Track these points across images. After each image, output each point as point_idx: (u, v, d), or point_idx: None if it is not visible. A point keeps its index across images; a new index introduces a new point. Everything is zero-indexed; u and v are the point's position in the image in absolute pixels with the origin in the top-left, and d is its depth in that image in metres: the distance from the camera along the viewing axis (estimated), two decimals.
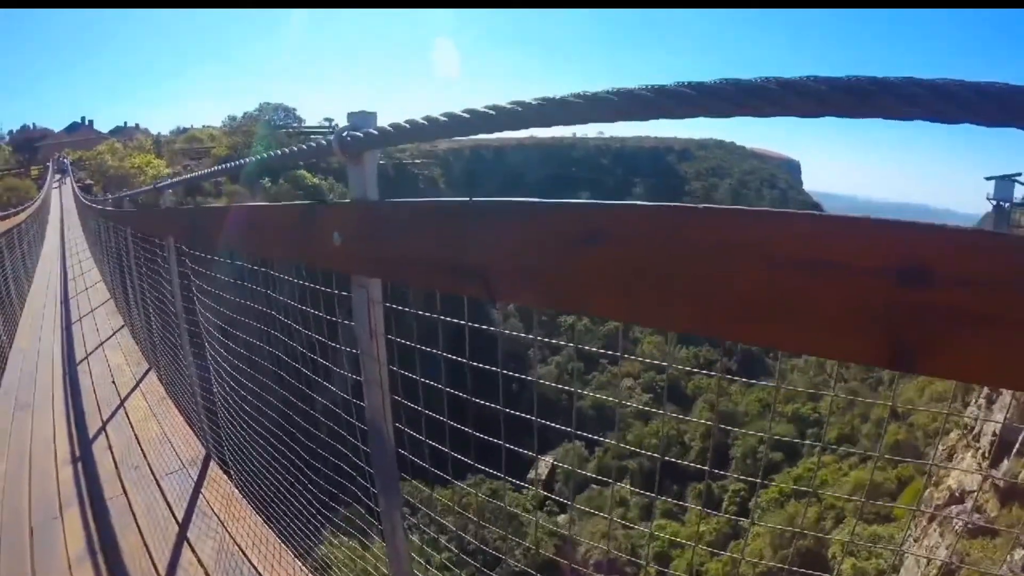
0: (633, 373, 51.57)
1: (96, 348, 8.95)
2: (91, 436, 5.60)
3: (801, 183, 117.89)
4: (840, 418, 40.12)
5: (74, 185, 36.27)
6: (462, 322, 1.68)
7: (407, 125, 1.32)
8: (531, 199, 1.05)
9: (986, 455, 17.10)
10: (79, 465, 4.97)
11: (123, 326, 9.86)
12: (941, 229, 0.67)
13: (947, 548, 15.03)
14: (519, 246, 1.08)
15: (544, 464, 36.21)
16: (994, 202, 38.42)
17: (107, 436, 5.54)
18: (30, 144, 64.10)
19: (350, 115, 1.57)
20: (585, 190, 73.65)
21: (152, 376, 7.14)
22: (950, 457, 19.15)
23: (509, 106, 1.07)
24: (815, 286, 0.74)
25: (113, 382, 7.20)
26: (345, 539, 3.56)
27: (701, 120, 0.91)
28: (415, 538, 2.22)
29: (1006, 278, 0.63)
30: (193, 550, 3.67)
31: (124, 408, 6.25)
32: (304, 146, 1.80)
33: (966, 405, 19.90)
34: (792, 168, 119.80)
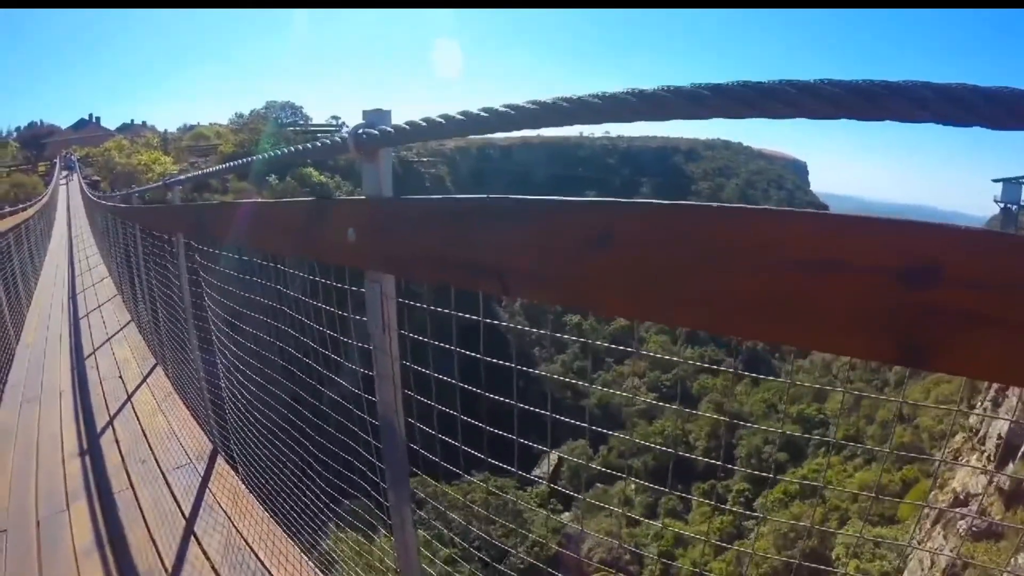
0: (639, 372, 51.52)
1: (103, 343, 8.99)
2: (98, 430, 5.62)
3: (808, 184, 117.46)
4: (845, 420, 40.02)
5: (81, 181, 36.33)
6: (471, 317, 1.70)
7: (423, 123, 1.32)
8: (546, 197, 1.06)
9: (991, 458, 17.06)
10: (86, 459, 4.99)
11: (130, 321, 9.89)
12: (950, 229, 0.68)
13: (951, 551, 14.98)
14: (534, 244, 1.10)
15: (549, 461, 36.25)
16: (1001, 204, 38.34)
17: (114, 430, 5.56)
18: (37, 141, 64.30)
19: (365, 113, 1.58)
20: (591, 189, 73.35)
21: (159, 371, 7.17)
22: (955, 460, 19.10)
23: (527, 105, 1.08)
24: (826, 284, 0.75)
25: (120, 377, 7.23)
26: (352, 533, 3.57)
27: (709, 120, 0.92)
28: (422, 532, 2.24)
29: (1014, 279, 0.64)
30: (200, 544, 3.69)
31: (131, 403, 6.28)
32: (319, 143, 1.81)
33: (972, 407, 19.82)
34: (799, 169, 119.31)
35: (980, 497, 16.50)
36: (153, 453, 4.99)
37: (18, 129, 67.53)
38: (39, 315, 11.43)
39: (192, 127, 68.63)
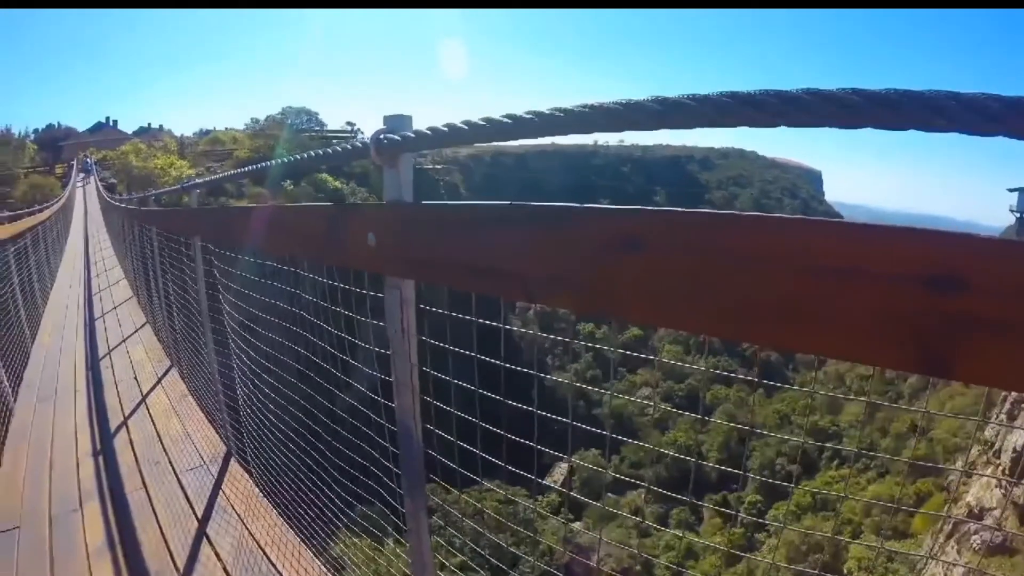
0: (652, 382, 51.47)
1: (119, 344, 9.06)
2: (112, 431, 5.66)
3: (823, 193, 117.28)
4: (859, 431, 39.76)
5: (98, 184, 36.69)
6: (490, 323, 1.70)
7: (445, 129, 1.32)
8: (570, 204, 1.06)
9: (1006, 471, 16.88)
10: (100, 459, 5.03)
11: (145, 323, 9.96)
12: (974, 239, 0.67)
13: (965, 565, 14.83)
14: (559, 250, 1.09)
15: (560, 470, 36.18)
16: (1017, 214, 38.00)
17: (128, 431, 5.60)
18: (55, 143, 65.02)
19: (386, 118, 1.58)
20: (605, 197, 73.47)
21: (174, 373, 7.21)
22: (969, 474, 18.92)
23: (550, 112, 1.08)
24: (851, 292, 0.75)
25: (135, 378, 7.28)
26: (366, 539, 3.57)
27: (722, 128, 0.92)
28: (435, 538, 2.24)
29: None
30: (212, 545, 3.70)
31: (145, 404, 6.32)
32: (339, 148, 1.82)
33: (988, 420, 19.65)
34: (813, 178, 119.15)
35: (996, 510, 16.35)
36: (167, 454, 5.02)
37: (36, 131, 68.14)
38: (55, 315, 11.52)
39: (208, 132, 69.25)
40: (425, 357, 1.84)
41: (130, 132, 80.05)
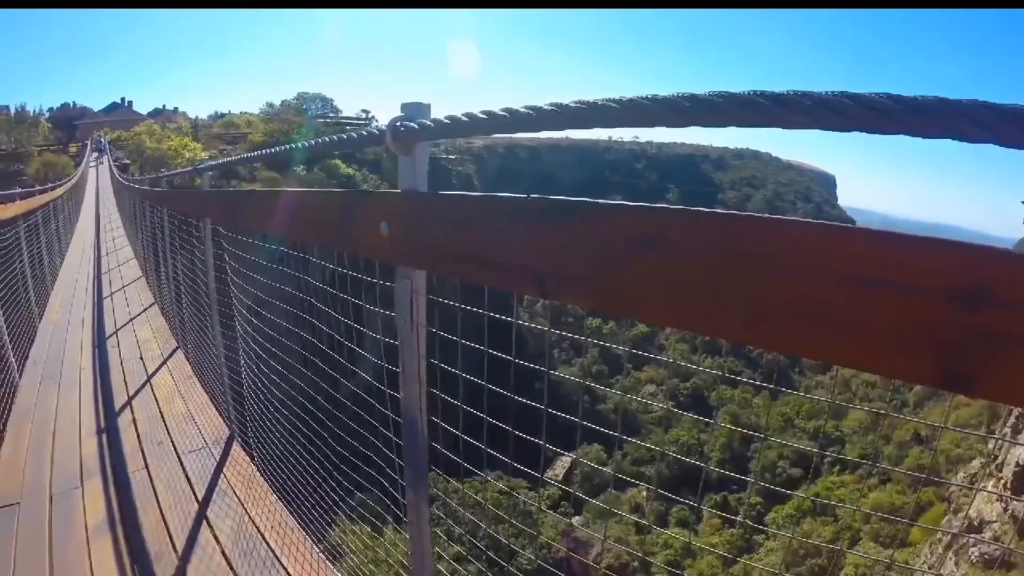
0: (657, 380, 51.47)
1: (126, 323, 9.09)
2: (116, 410, 5.68)
3: (836, 197, 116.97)
4: (862, 438, 39.73)
5: (111, 164, 36.79)
6: (500, 317, 1.68)
7: (464, 118, 1.30)
8: (588, 199, 1.04)
9: (1007, 485, 16.81)
10: (103, 437, 5.04)
11: (153, 303, 10.00)
12: (997, 252, 0.65)
13: None
14: (575, 246, 1.07)
15: (561, 464, 36.22)
16: None
17: (132, 411, 5.62)
18: (69, 122, 65.22)
19: (404, 106, 1.55)
20: (618, 193, 73.35)
21: (179, 354, 7.24)
22: (972, 485, 18.87)
23: (574, 105, 1.05)
24: (873, 301, 0.73)
25: (141, 358, 7.31)
26: (364, 526, 3.57)
27: (737, 128, 0.90)
28: (434, 529, 2.23)
29: None
30: (212, 528, 3.71)
31: (150, 384, 6.34)
32: (355, 134, 1.80)
33: (991, 433, 19.58)
34: (827, 182, 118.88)
35: (995, 523, 16.30)
36: (170, 435, 5.03)
37: (51, 109, 68.31)
38: (64, 293, 11.57)
39: (223, 115, 69.34)
40: (433, 348, 1.82)
41: (145, 113, 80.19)
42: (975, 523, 17.24)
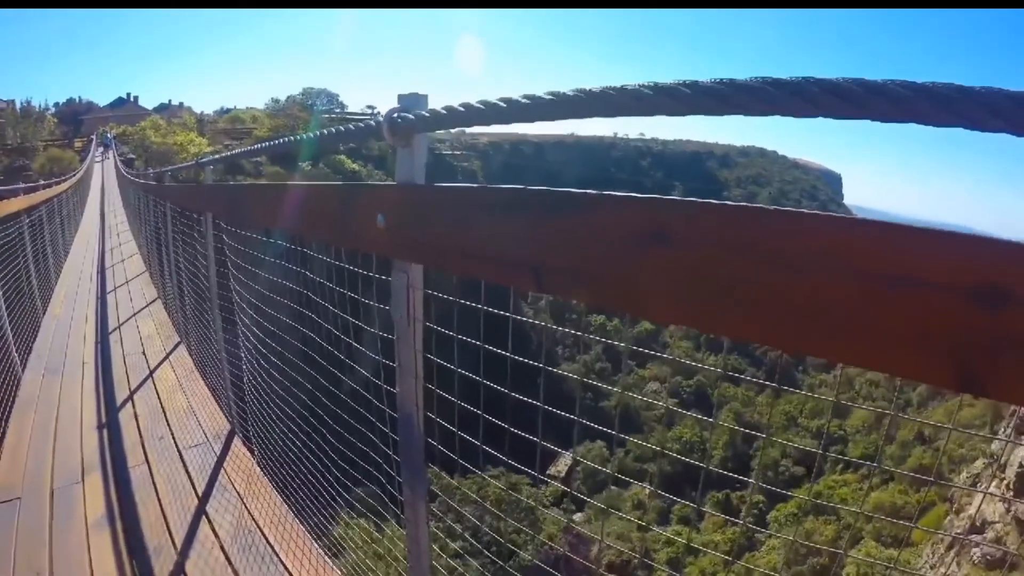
0: (660, 377, 51.49)
1: (129, 318, 9.10)
2: (118, 404, 5.68)
3: (842, 196, 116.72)
4: (865, 437, 39.68)
5: (116, 158, 36.89)
6: (499, 312, 1.65)
7: (461, 108, 1.27)
8: (590, 191, 1.01)
9: (1010, 486, 16.77)
10: (104, 432, 5.04)
11: (156, 299, 10.01)
12: (1018, 248, 0.62)
13: None
14: (575, 240, 1.03)
15: (564, 461, 36.21)
16: None
17: (134, 405, 5.62)
18: (75, 116, 65.56)
19: (400, 97, 1.53)
20: (624, 190, 73.22)
21: (182, 349, 7.23)
22: (974, 485, 18.85)
23: (572, 93, 1.02)
24: (891, 300, 0.69)
25: (143, 353, 7.31)
26: (363, 523, 3.56)
27: (743, 126, 0.88)
28: (433, 525, 2.21)
29: None
30: (211, 523, 3.70)
31: (152, 379, 6.34)
32: (352, 126, 1.78)
33: (994, 433, 19.53)
34: (833, 180, 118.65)
35: (997, 524, 16.27)
36: (171, 430, 5.03)
37: (57, 104, 68.60)
38: (67, 287, 11.59)
39: (228, 110, 69.55)
40: (431, 343, 1.80)
41: (150, 108, 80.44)
42: (977, 523, 17.23)
